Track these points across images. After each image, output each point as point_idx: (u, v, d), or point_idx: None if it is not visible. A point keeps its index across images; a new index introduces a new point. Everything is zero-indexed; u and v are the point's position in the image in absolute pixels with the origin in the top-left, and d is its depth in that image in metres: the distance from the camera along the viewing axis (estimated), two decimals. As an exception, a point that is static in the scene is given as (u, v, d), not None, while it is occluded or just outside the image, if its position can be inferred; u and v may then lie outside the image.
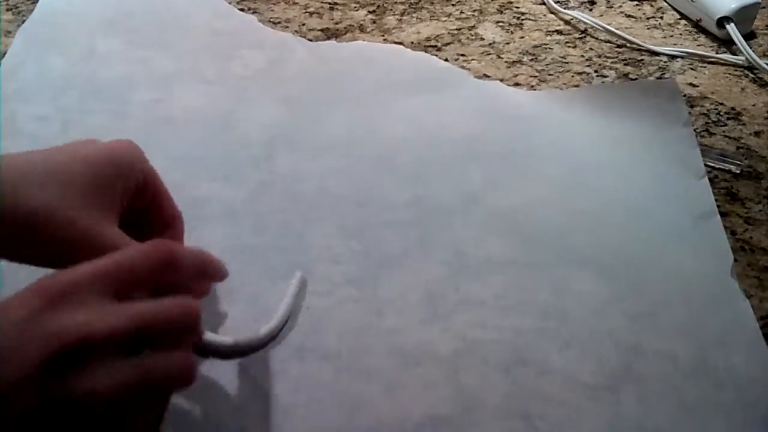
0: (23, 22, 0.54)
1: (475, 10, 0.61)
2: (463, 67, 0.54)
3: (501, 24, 0.60)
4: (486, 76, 0.53)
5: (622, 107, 0.49)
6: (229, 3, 0.60)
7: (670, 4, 0.62)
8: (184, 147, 0.44)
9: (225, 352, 0.32)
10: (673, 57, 0.56)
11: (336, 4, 0.61)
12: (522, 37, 0.58)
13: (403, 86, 0.50)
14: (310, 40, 0.55)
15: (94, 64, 0.50)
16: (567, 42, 0.58)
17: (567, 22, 0.60)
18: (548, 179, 0.44)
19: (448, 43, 0.57)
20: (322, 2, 0.61)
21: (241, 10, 0.59)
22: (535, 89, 0.52)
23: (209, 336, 0.31)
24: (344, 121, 0.47)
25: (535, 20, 0.60)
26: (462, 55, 0.56)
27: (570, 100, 0.50)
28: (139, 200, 0.32)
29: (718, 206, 0.43)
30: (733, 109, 0.51)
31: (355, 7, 0.61)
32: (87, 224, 0.28)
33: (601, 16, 0.61)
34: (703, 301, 0.38)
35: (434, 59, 0.54)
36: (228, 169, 0.43)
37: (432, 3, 0.62)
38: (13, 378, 0.21)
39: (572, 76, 0.54)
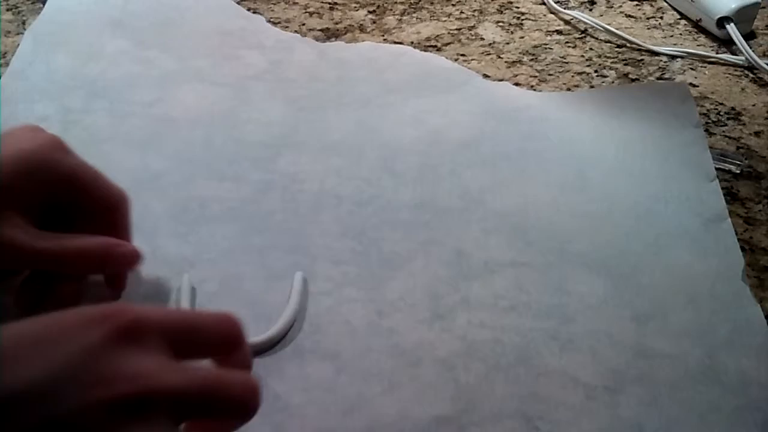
0: (23, 22, 0.54)
1: (475, 10, 0.61)
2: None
3: (501, 24, 0.60)
4: (486, 76, 0.53)
5: (632, 109, 0.49)
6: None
7: (670, 4, 0.62)
8: (185, 147, 0.45)
9: None
10: (673, 57, 0.56)
11: (336, 4, 0.61)
12: (522, 37, 0.58)
13: (409, 87, 0.50)
14: (315, 40, 0.55)
15: (102, 65, 0.50)
16: (567, 42, 0.58)
17: (567, 22, 0.60)
18: (555, 181, 0.44)
19: (448, 43, 0.57)
20: (322, 2, 0.61)
21: (241, 10, 0.59)
22: (535, 89, 0.52)
23: None
24: (346, 122, 0.47)
25: (535, 20, 0.60)
26: (462, 55, 0.56)
27: (580, 102, 0.50)
28: (63, 195, 0.33)
29: (718, 206, 0.43)
30: (733, 109, 0.51)
31: (355, 7, 0.61)
32: None
33: (601, 16, 0.61)
34: (712, 304, 0.37)
35: (441, 59, 0.54)
36: (229, 169, 0.43)
37: (432, 3, 0.62)
38: (60, 413, 0.20)
39: (572, 76, 0.54)
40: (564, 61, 0.55)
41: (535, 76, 0.54)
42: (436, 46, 0.56)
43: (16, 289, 0.33)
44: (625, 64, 0.55)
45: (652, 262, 0.39)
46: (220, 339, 0.25)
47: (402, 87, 0.50)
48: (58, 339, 0.21)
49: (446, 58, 0.54)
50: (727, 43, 0.57)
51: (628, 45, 0.57)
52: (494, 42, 0.57)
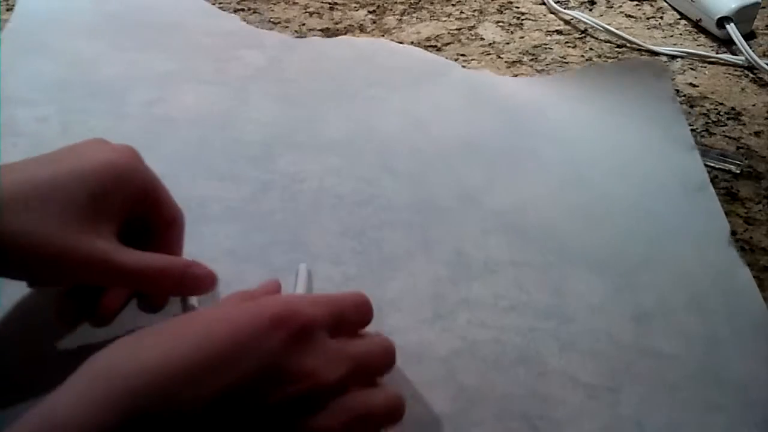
0: None
1: (475, 10, 0.61)
2: (463, 67, 0.54)
3: (501, 24, 0.60)
4: (486, 76, 0.53)
5: (610, 87, 0.51)
6: (229, 2, 0.60)
7: (670, 4, 0.62)
8: (184, 147, 0.44)
9: None
10: (673, 57, 0.56)
11: (336, 4, 0.61)
12: (522, 37, 0.58)
13: (394, 79, 0.51)
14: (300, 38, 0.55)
15: (84, 68, 0.50)
16: (567, 42, 0.58)
17: (567, 22, 0.60)
18: (542, 163, 0.45)
19: (448, 43, 0.57)
20: (322, 2, 0.61)
21: (241, 10, 0.59)
22: (535, 89, 0.52)
23: None
24: (342, 119, 0.47)
25: (535, 20, 0.60)
26: (462, 55, 0.56)
27: (559, 84, 0.51)
28: (140, 207, 0.32)
29: (718, 206, 0.43)
30: (733, 109, 0.51)
31: (355, 7, 0.61)
32: (65, 243, 0.28)
33: (601, 16, 0.61)
34: (703, 269, 0.39)
35: (422, 51, 0.55)
36: (228, 169, 0.43)
37: (432, 3, 0.62)
38: (262, 406, 0.24)
39: (572, 76, 0.54)
40: (564, 61, 0.55)
41: (535, 77, 0.54)
42: (436, 46, 0.56)
43: (58, 302, 0.32)
44: (625, 64, 0.55)
45: (641, 234, 0.40)
46: (361, 316, 0.30)
47: (388, 79, 0.51)
48: (250, 344, 0.24)
49: (446, 58, 0.55)
50: (727, 43, 0.57)
51: (628, 45, 0.57)
52: (494, 42, 0.57)
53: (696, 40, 0.58)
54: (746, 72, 0.54)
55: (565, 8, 0.61)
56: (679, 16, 0.61)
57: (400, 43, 0.56)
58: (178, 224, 0.34)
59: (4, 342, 0.33)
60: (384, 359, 0.29)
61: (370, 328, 0.31)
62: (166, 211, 0.34)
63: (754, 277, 0.39)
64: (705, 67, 0.55)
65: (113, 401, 0.22)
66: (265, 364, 0.24)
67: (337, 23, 0.58)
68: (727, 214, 0.43)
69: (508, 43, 0.57)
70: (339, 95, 0.49)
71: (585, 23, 0.59)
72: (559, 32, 0.59)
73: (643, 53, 0.56)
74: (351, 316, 0.29)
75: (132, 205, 0.31)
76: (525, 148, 0.46)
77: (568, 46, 0.57)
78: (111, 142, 0.32)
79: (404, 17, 0.60)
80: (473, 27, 0.59)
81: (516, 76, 0.54)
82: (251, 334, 0.25)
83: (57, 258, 0.28)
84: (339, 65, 0.52)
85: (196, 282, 0.33)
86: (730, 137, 0.48)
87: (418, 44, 0.56)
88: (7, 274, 0.30)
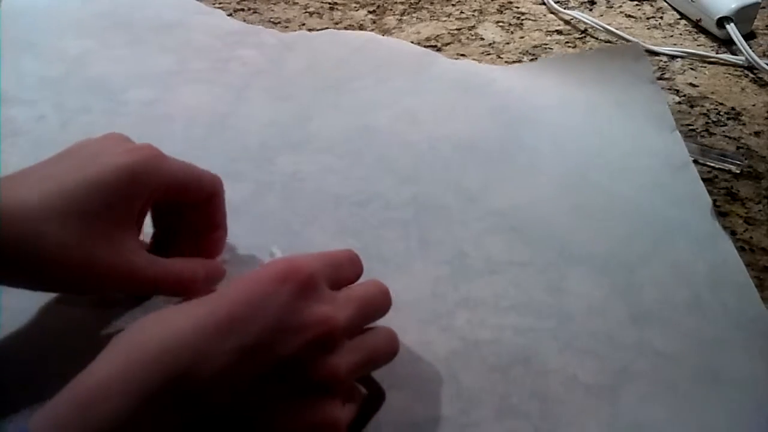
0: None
1: (475, 10, 0.61)
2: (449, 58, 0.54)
3: (501, 24, 0.60)
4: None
5: (591, 72, 0.52)
6: (229, 2, 0.60)
7: (670, 4, 0.62)
8: (184, 147, 0.44)
9: None
10: (673, 57, 0.56)
11: (336, 4, 0.61)
12: (522, 37, 0.58)
13: (382, 71, 0.51)
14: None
15: (83, 68, 0.50)
16: (567, 42, 0.58)
17: (567, 22, 0.60)
18: (526, 148, 0.46)
19: (448, 43, 0.57)
20: (322, 2, 0.61)
21: (241, 10, 0.59)
22: (535, 89, 0.52)
23: None
24: (339, 117, 0.47)
25: (535, 20, 0.60)
26: (462, 55, 0.56)
27: (541, 71, 0.52)
28: (165, 198, 0.32)
29: (717, 206, 0.43)
30: (733, 109, 0.51)
31: (355, 7, 0.61)
32: (85, 254, 0.29)
33: (601, 16, 0.61)
34: (689, 245, 0.40)
35: (407, 44, 0.55)
36: (227, 168, 0.43)
37: (432, 3, 0.62)
38: (284, 354, 0.26)
39: (572, 76, 0.54)
40: (564, 61, 0.55)
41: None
42: (436, 46, 0.56)
43: None
44: (625, 64, 0.55)
45: (627, 212, 0.41)
46: (355, 269, 0.32)
47: (376, 72, 0.52)
48: (263, 300, 0.26)
49: (446, 57, 0.54)
50: (727, 43, 0.57)
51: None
52: (494, 42, 0.57)
53: (696, 40, 0.58)
54: (746, 72, 0.54)
55: (565, 8, 0.61)
56: (679, 16, 0.61)
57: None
58: (217, 193, 0.35)
59: (4, 342, 0.33)
60: (383, 300, 0.31)
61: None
62: (197, 189, 0.34)
63: (754, 277, 0.39)
64: (705, 67, 0.55)
65: (149, 363, 0.24)
66: (279, 316, 0.26)
67: (337, 23, 0.58)
68: (727, 214, 0.43)
69: (508, 43, 0.57)
70: (338, 94, 0.49)
71: (585, 23, 0.59)
72: (559, 32, 0.59)
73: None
74: (346, 270, 0.31)
75: (152, 201, 0.32)
76: (505, 124, 0.47)
77: (568, 46, 0.57)
78: (130, 141, 0.32)
79: (404, 17, 0.60)
80: (473, 27, 0.59)
81: (516, 76, 0.54)
82: (263, 292, 0.26)
83: (78, 270, 0.29)
84: (338, 64, 0.52)
85: (207, 281, 0.34)
86: (730, 137, 0.48)
87: (418, 44, 0.56)
88: (28, 286, 0.30)
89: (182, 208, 0.34)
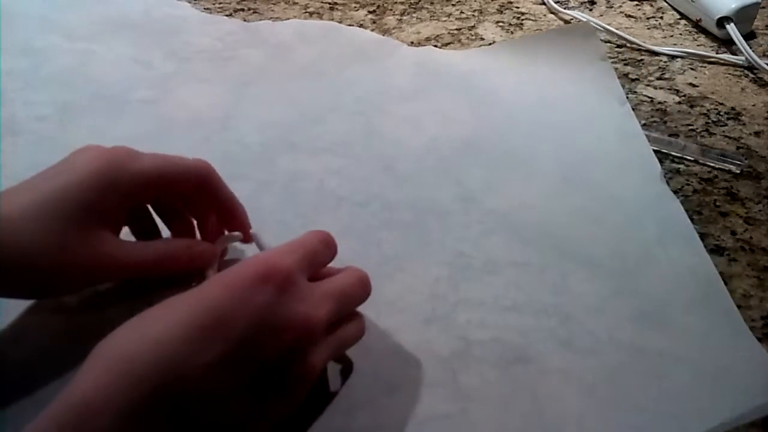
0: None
1: (475, 10, 0.61)
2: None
3: (501, 24, 0.60)
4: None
5: (545, 52, 0.54)
6: (229, 2, 0.60)
7: (670, 4, 0.62)
8: (183, 147, 0.44)
9: None
10: (673, 57, 0.56)
11: (336, 4, 0.61)
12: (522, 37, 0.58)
13: (348, 59, 0.53)
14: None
15: (99, 63, 0.50)
16: (567, 42, 0.58)
17: (567, 22, 0.60)
18: (485, 121, 0.48)
19: (448, 43, 0.57)
20: (322, 2, 0.61)
21: (241, 10, 0.60)
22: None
23: None
24: (339, 117, 0.47)
25: (535, 20, 0.60)
26: (462, 55, 0.56)
27: (497, 54, 0.55)
28: (148, 195, 0.34)
29: (717, 206, 0.43)
30: (733, 109, 0.51)
31: (355, 7, 0.61)
32: (65, 252, 0.30)
33: (601, 16, 0.61)
34: (636, 206, 0.43)
35: (367, 32, 0.57)
36: (227, 169, 0.43)
37: (432, 3, 0.62)
38: (266, 357, 0.26)
39: (572, 76, 0.54)
40: (564, 61, 0.55)
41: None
42: (436, 46, 0.56)
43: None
44: (625, 64, 0.55)
45: (587, 180, 0.43)
46: (330, 251, 0.32)
47: (343, 60, 0.53)
48: (243, 302, 0.26)
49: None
50: (727, 43, 0.57)
51: (628, 45, 0.57)
52: (494, 42, 0.57)
53: (696, 40, 0.58)
54: (746, 72, 0.54)
55: (565, 8, 0.61)
56: (679, 16, 0.61)
57: (401, 43, 0.56)
58: (208, 179, 0.35)
59: (4, 342, 0.33)
60: (361, 290, 0.31)
61: (369, 321, 0.32)
62: (183, 180, 0.34)
63: (754, 277, 0.39)
64: (705, 67, 0.55)
65: (134, 378, 0.24)
66: (259, 319, 0.26)
67: (337, 23, 0.58)
68: (727, 214, 0.43)
69: (508, 43, 0.57)
70: (338, 94, 0.49)
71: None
72: (559, 32, 0.59)
73: (643, 53, 0.56)
74: (321, 254, 0.31)
75: (132, 201, 0.33)
76: (466, 104, 0.49)
77: (568, 46, 0.57)
78: (102, 147, 0.33)
79: (404, 17, 0.60)
80: (473, 27, 0.59)
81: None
82: (242, 295, 0.26)
83: (59, 268, 0.30)
84: (337, 63, 0.52)
85: (202, 258, 0.35)
86: (730, 137, 0.48)
87: (418, 44, 0.56)
88: (13, 293, 0.31)
89: (182, 197, 0.35)
